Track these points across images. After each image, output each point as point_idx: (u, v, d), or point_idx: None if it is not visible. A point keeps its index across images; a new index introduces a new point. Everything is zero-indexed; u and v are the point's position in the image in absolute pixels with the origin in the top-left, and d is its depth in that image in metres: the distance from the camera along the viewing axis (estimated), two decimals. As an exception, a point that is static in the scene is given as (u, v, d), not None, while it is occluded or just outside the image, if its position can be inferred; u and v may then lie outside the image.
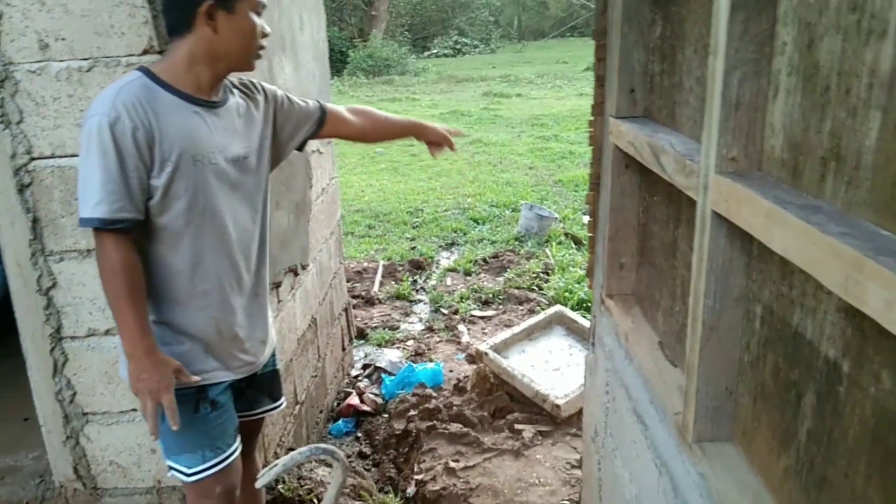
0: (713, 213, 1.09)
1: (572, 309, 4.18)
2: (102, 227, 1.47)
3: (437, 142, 2.10)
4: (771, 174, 1.03)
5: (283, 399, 1.99)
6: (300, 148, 1.92)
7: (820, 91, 0.90)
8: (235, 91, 1.71)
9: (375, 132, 2.04)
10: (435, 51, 24.95)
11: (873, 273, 0.70)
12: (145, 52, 1.76)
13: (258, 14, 1.57)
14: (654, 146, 1.38)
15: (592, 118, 1.90)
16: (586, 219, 4.89)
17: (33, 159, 1.86)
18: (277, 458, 2.39)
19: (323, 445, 1.68)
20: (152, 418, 1.53)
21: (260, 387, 1.90)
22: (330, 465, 2.58)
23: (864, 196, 0.82)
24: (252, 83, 1.78)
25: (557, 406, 3.01)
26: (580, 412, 2.69)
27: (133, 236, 1.52)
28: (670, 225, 1.53)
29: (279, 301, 2.56)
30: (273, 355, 1.94)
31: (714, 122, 1.05)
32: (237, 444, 1.76)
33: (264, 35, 1.60)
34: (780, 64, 1.00)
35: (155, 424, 1.53)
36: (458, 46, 25.29)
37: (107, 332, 1.99)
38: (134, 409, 2.06)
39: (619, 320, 1.78)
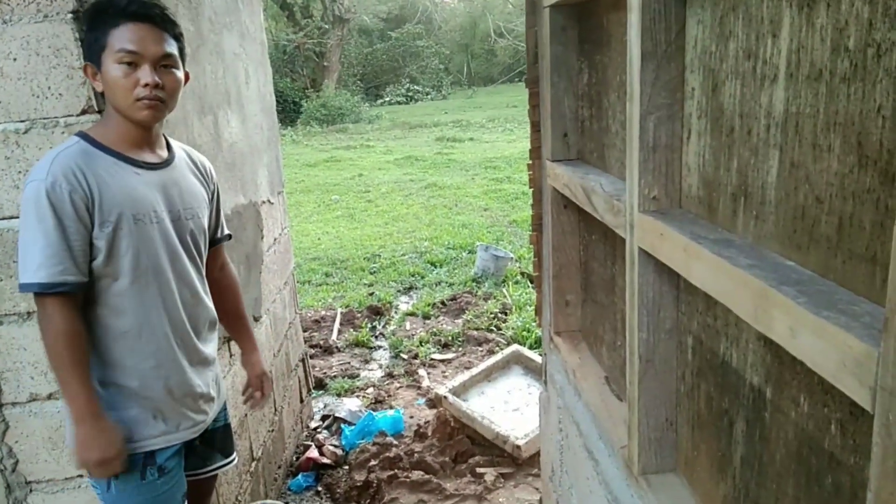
0: (640, 249, 1.13)
1: (530, 347, 4.20)
2: (44, 292, 1.45)
3: (251, 379, 2.01)
4: (690, 211, 1.08)
5: (234, 455, 1.95)
6: None
7: (726, 132, 0.96)
8: (181, 156, 1.72)
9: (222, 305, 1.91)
10: (388, 98, 25.28)
11: (777, 302, 0.74)
12: (84, 112, 1.76)
13: (132, 64, 1.48)
14: (587, 187, 1.43)
15: (531, 161, 1.96)
16: (540, 258, 4.95)
17: (-30, 223, 1.82)
18: (233, 517, 2.32)
19: (270, 501, 1.64)
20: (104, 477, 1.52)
21: (211, 442, 1.86)
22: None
23: (770, 229, 0.87)
24: (204, 163, 1.82)
25: (518, 447, 3.01)
26: (540, 452, 2.69)
27: (78, 301, 1.50)
28: (608, 262, 1.58)
29: (231, 355, 2.52)
30: (224, 409, 1.91)
31: (635, 163, 1.10)
32: None
33: (146, 85, 1.49)
34: (691, 108, 1.06)
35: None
36: (411, 94, 25.68)
37: (49, 397, 1.93)
38: (80, 476, 1.99)
39: (567, 357, 1.81)
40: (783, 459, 0.90)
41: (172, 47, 1.55)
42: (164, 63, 1.53)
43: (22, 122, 1.76)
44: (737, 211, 0.95)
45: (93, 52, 1.52)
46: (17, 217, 1.80)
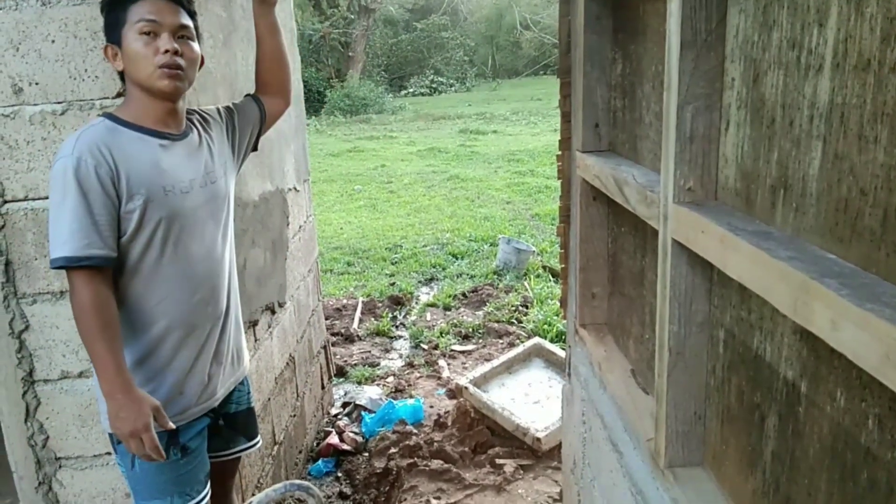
0: (674, 241, 1.12)
1: (551, 341, 4.20)
2: (70, 265, 1.47)
3: None
4: (726, 203, 1.07)
5: (258, 438, 1.98)
6: (255, 147, 1.95)
7: (767, 123, 0.95)
8: (198, 121, 1.75)
9: (274, 62, 1.92)
10: (411, 90, 25.25)
11: (819, 294, 0.73)
12: (119, 95, 1.79)
13: (151, 34, 1.53)
14: (618, 178, 1.42)
15: (560, 152, 1.95)
16: (563, 251, 4.93)
17: (6, 202, 1.86)
18: (255, 499, 2.35)
19: (297, 481, 1.67)
20: (142, 454, 1.52)
21: (234, 426, 1.88)
22: (309, 505, 2.54)
23: (810, 222, 0.86)
24: (211, 113, 1.81)
25: (538, 439, 3.01)
26: (561, 445, 2.69)
27: (106, 274, 1.52)
28: (637, 254, 1.57)
29: (256, 340, 2.55)
30: (248, 393, 1.93)
31: (670, 154, 1.09)
32: (207, 490, 1.74)
33: (166, 52, 1.53)
34: (730, 98, 1.05)
35: (150, 458, 1.53)
36: (435, 85, 25.63)
37: (80, 375, 1.97)
38: (108, 453, 2.03)
39: (592, 349, 1.80)
40: (816, 454, 0.89)
41: (187, 20, 1.61)
42: (181, 34, 1.58)
43: (59, 103, 1.79)
44: (776, 203, 0.94)
45: (113, 31, 1.57)
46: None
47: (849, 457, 0.82)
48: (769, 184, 0.95)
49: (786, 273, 0.79)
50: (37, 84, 1.79)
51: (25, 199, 1.86)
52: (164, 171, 1.58)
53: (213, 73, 2.16)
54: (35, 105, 1.80)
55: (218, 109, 1.84)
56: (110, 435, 1.66)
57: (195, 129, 1.73)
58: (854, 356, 0.68)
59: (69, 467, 2.05)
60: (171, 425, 1.58)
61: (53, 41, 1.76)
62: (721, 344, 1.14)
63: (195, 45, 1.62)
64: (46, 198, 1.85)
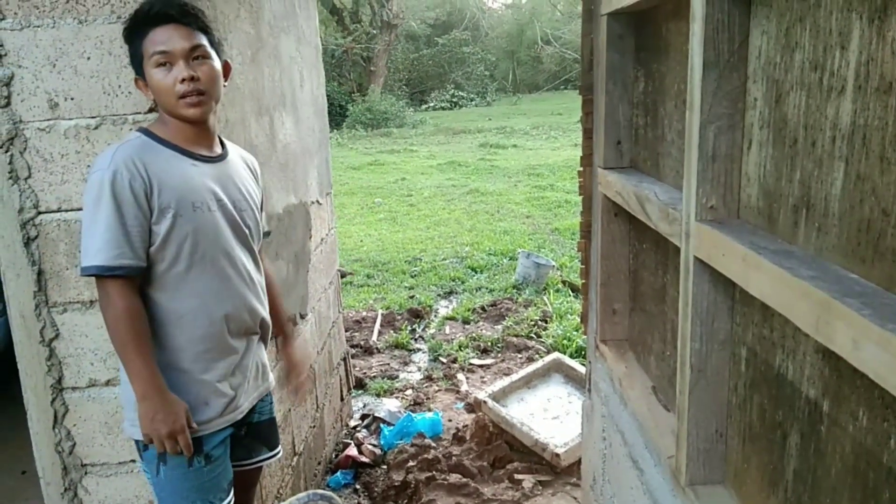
0: (696, 259, 1.13)
1: (571, 356, 4.18)
2: (102, 274, 1.52)
3: (292, 367, 2.07)
4: (748, 221, 1.08)
5: (279, 448, 2.00)
6: None
7: (789, 143, 0.96)
8: (234, 154, 1.81)
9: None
10: (432, 104, 25.39)
11: (840, 314, 0.74)
12: (151, 111, 1.83)
13: (167, 64, 1.56)
14: (640, 195, 1.43)
15: (582, 168, 1.96)
16: (583, 266, 4.90)
17: (40, 213, 1.91)
18: (275, 509, 2.37)
19: (321, 491, 1.69)
20: (175, 452, 1.58)
21: (257, 435, 1.91)
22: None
23: (832, 241, 0.87)
24: (255, 163, 1.92)
25: (557, 455, 3.00)
26: (580, 461, 2.68)
27: (135, 283, 1.57)
28: (659, 271, 1.57)
29: (277, 350, 2.58)
30: (270, 404, 1.96)
31: (693, 172, 1.10)
32: (230, 498, 1.76)
33: (183, 80, 1.56)
34: (753, 118, 1.06)
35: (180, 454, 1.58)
36: (455, 99, 25.75)
37: (107, 383, 2.01)
38: (133, 460, 2.06)
39: (613, 366, 1.81)
40: (839, 473, 0.89)
41: (200, 39, 1.61)
42: (195, 55, 1.59)
43: (93, 118, 1.85)
44: (798, 222, 0.94)
45: (137, 65, 1.62)
46: (83, 210, 1.89)
47: (871, 476, 0.82)
48: (791, 203, 0.96)
49: (808, 292, 0.80)
50: (72, 99, 1.84)
51: (59, 210, 1.90)
52: (195, 188, 1.62)
53: (241, 88, 2.21)
54: (70, 119, 1.85)
55: (261, 181, 1.94)
56: (136, 441, 1.69)
57: (237, 160, 1.80)
58: (875, 376, 0.68)
59: (94, 474, 2.08)
60: (195, 426, 1.62)
61: (89, 58, 1.81)
62: (743, 362, 1.14)
63: (213, 62, 1.62)
64: (79, 209, 1.90)
